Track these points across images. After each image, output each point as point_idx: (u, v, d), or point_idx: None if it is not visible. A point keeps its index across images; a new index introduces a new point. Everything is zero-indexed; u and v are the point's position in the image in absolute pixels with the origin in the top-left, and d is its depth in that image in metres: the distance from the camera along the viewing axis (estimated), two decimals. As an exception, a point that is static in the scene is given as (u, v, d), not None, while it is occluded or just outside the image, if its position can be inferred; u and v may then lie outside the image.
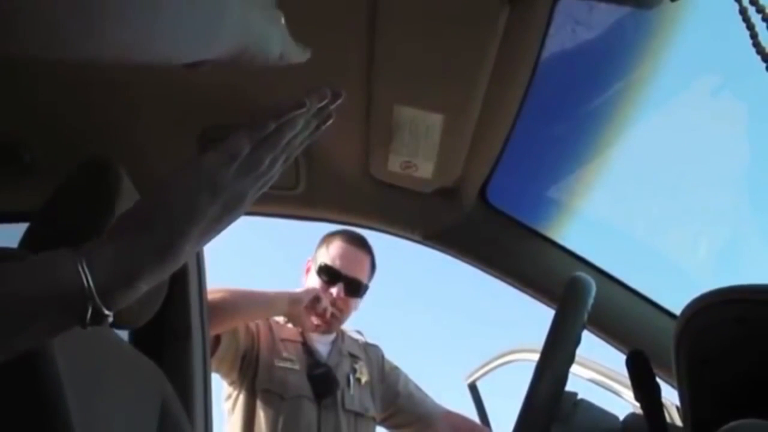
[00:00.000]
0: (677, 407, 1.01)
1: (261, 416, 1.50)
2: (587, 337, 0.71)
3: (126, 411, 0.81)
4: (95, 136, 1.14)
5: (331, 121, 0.59)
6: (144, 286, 0.48)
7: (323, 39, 0.86)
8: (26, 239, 0.80)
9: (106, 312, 0.46)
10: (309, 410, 1.53)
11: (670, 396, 0.91)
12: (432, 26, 0.80)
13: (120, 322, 0.88)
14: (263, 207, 1.38)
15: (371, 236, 1.66)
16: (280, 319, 1.70)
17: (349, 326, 1.81)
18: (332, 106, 0.58)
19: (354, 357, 1.72)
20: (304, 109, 0.54)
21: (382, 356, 1.81)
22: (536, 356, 0.66)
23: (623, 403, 1.39)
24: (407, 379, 1.80)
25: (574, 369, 0.69)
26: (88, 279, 0.44)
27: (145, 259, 0.47)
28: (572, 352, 0.66)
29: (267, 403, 1.51)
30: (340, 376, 1.61)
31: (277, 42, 0.56)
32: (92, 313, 0.45)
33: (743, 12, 0.57)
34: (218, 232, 0.53)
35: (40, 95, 1.04)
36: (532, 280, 1.28)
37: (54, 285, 0.44)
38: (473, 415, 2.04)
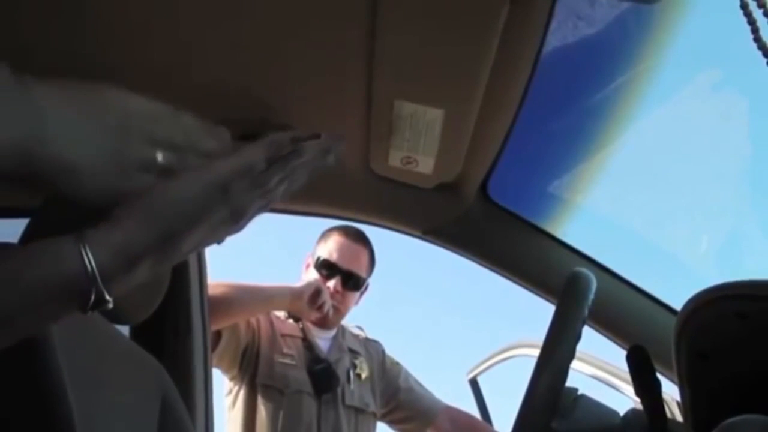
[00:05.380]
0: (678, 402, 1.01)
1: (261, 411, 1.51)
2: (588, 332, 0.71)
3: (127, 406, 0.81)
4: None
5: (330, 164, 0.65)
6: (142, 275, 0.48)
7: (323, 34, 0.86)
8: (27, 235, 0.80)
9: (107, 297, 0.46)
10: (309, 405, 1.54)
11: (670, 391, 0.92)
12: (432, 21, 0.80)
13: (121, 317, 0.88)
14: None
15: (371, 232, 1.66)
16: (281, 314, 1.70)
17: (349, 322, 1.81)
18: (330, 157, 0.63)
19: (354, 353, 1.72)
20: (318, 140, 0.58)
21: (383, 352, 1.82)
22: (537, 351, 0.67)
23: (624, 399, 1.39)
24: (408, 375, 1.80)
25: (575, 364, 0.69)
26: (90, 262, 0.44)
27: (146, 247, 0.47)
28: (573, 347, 0.66)
29: (267, 398, 1.52)
30: (341, 372, 1.62)
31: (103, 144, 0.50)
32: (94, 298, 0.45)
33: (744, 6, 0.57)
34: (211, 242, 0.54)
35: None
36: (533, 275, 1.28)
37: (57, 268, 0.44)
38: (474, 411, 2.05)
